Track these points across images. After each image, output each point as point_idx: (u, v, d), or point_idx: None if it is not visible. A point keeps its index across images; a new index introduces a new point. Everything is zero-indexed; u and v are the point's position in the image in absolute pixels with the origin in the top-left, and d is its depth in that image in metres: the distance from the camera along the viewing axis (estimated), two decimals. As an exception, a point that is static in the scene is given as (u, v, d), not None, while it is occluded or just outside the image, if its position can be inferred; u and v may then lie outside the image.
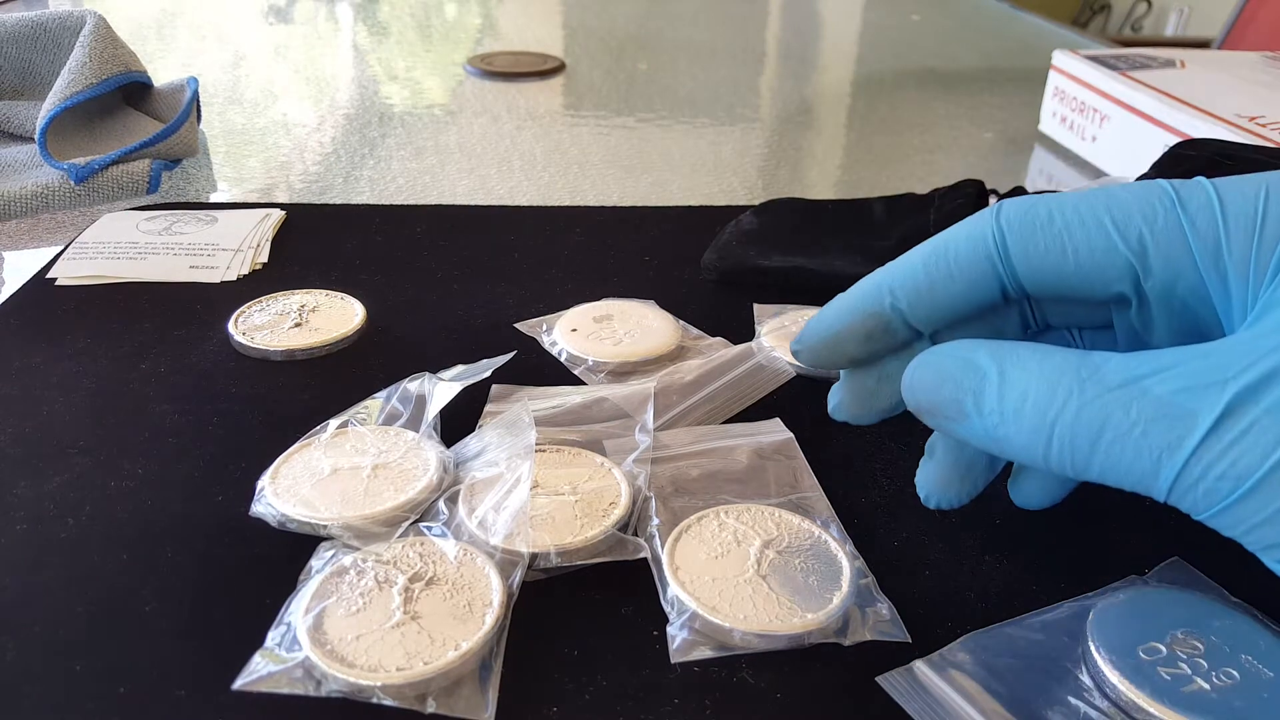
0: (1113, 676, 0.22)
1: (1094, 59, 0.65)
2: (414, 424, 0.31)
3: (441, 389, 0.32)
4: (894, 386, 0.27)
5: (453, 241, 0.47)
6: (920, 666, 0.24)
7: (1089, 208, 0.23)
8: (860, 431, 0.33)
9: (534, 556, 0.26)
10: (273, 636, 0.24)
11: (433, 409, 0.32)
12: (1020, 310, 0.27)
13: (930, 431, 0.28)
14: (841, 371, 0.28)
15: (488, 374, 0.33)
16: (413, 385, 0.33)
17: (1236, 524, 0.20)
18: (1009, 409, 0.22)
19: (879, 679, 0.24)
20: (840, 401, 0.28)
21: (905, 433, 0.33)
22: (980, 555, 0.28)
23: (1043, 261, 0.24)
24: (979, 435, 0.23)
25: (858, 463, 0.32)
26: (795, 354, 0.28)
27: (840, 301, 0.27)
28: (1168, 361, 0.21)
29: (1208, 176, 0.32)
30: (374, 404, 0.33)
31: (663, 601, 0.26)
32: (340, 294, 0.41)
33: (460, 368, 0.34)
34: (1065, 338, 0.28)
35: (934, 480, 0.27)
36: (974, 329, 0.26)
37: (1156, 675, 0.22)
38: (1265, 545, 0.20)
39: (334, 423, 0.31)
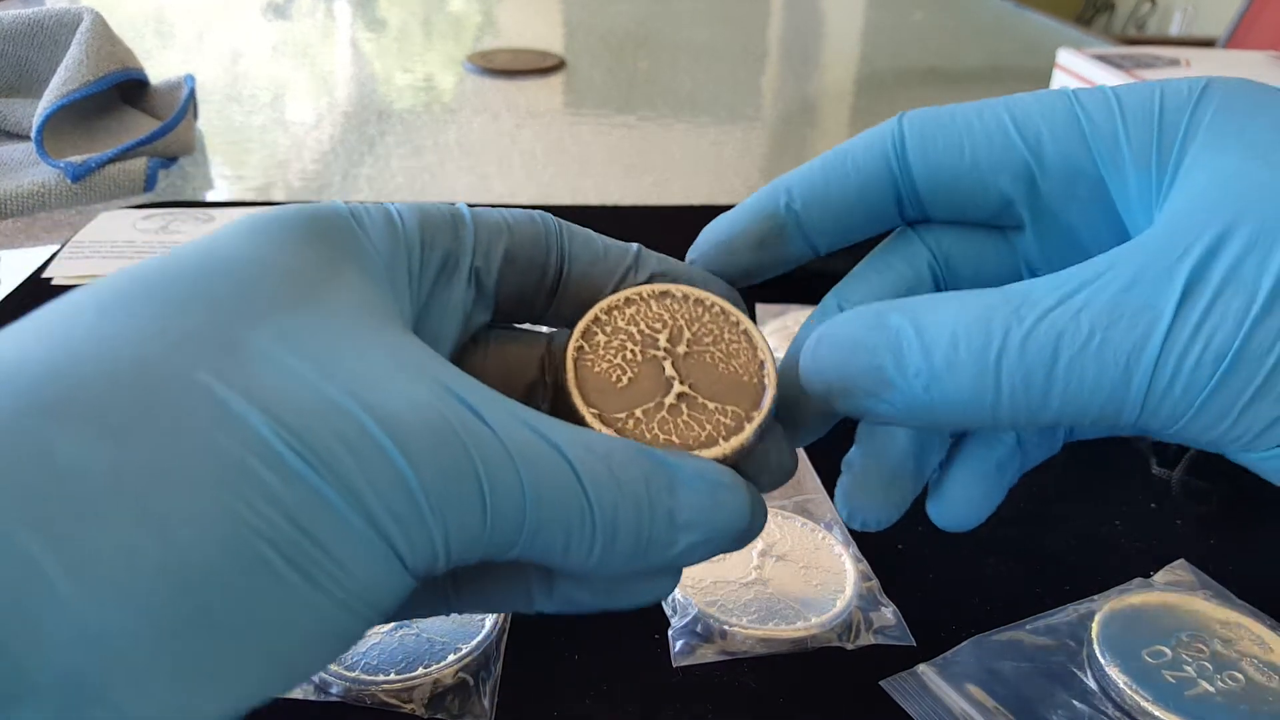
0: (1118, 680, 0.22)
1: (1099, 57, 0.65)
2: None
3: None
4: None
5: (452, 240, 0.47)
6: (924, 670, 0.23)
7: (990, 109, 0.24)
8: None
9: (534, 558, 0.26)
10: (270, 639, 0.24)
11: None
12: (928, 253, 0.25)
13: (848, 448, 0.24)
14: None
15: None
16: None
17: (1222, 417, 0.18)
18: (939, 361, 0.19)
19: (883, 683, 0.23)
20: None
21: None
22: (984, 559, 0.28)
23: (939, 159, 0.23)
24: (908, 404, 0.20)
25: (860, 464, 0.32)
26: (691, 262, 0.26)
27: (739, 206, 0.26)
28: (1098, 268, 0.19)
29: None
30: None
31: (664, 604, 0.25)
32: (339, 293, 0.40)
33: None
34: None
35: (855, 495, 0.23)
36: (878, 276, 0.24)
37: (1161, 678, 0.22)
38: (1260, 430, 0.18)
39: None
